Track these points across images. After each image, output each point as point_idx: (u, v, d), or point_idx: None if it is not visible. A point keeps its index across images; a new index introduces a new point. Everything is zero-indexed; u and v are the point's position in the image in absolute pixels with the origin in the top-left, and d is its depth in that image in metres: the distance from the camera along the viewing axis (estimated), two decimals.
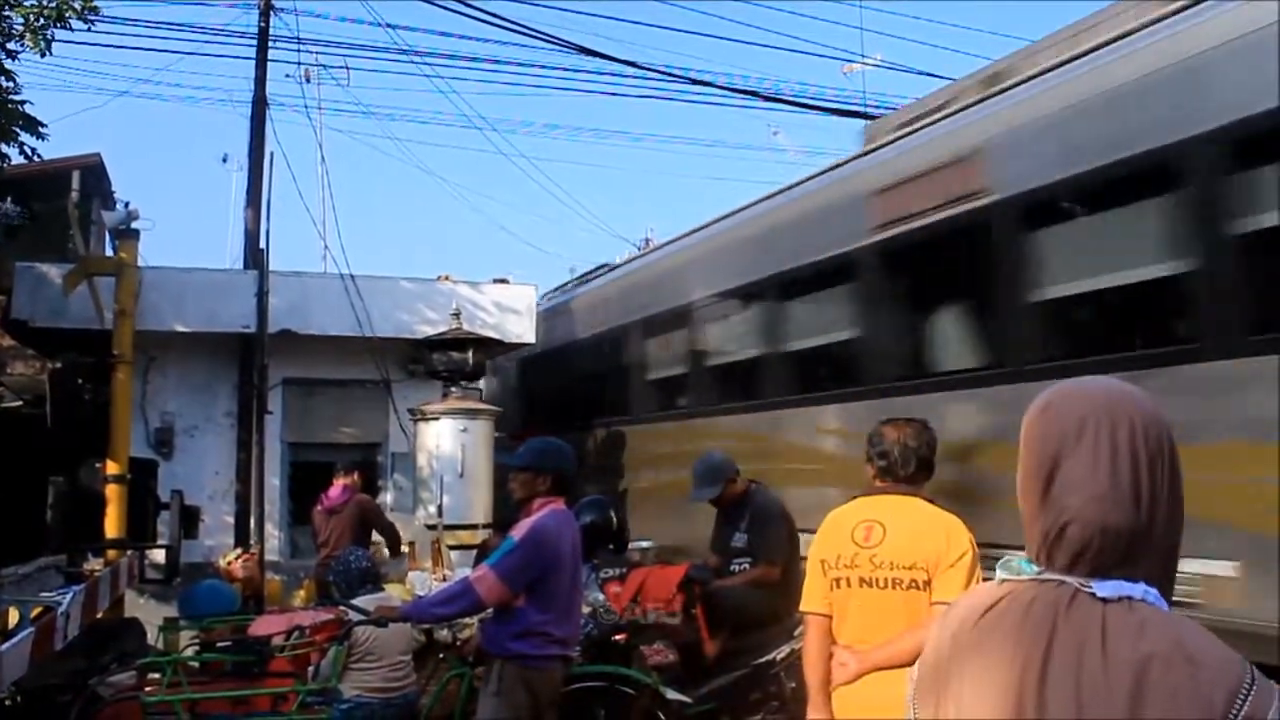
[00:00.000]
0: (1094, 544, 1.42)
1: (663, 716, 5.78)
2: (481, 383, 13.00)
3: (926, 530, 3.74)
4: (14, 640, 5.08)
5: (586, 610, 6.44)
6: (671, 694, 5.82)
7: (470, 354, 11.92)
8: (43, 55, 10.13)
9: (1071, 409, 1.48)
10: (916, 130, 7.47)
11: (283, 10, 14.90)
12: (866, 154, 8.16)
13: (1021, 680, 1.39)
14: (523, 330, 14.89)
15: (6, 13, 9.79)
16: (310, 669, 5.98)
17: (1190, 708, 1.30)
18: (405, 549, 10.33)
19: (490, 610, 4.84)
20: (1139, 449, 1.43)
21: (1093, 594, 1.40)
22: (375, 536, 10.22)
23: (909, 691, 1.62)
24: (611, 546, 7.34)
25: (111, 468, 9.44)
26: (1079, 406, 1.48)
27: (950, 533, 3.71)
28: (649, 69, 20.29)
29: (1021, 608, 1.44)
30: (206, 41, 20.37)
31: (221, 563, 10.31)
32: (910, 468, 3.95)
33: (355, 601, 5.62)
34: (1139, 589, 1.40)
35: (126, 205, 10.46)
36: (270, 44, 14.78)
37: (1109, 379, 1.56)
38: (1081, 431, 1.45)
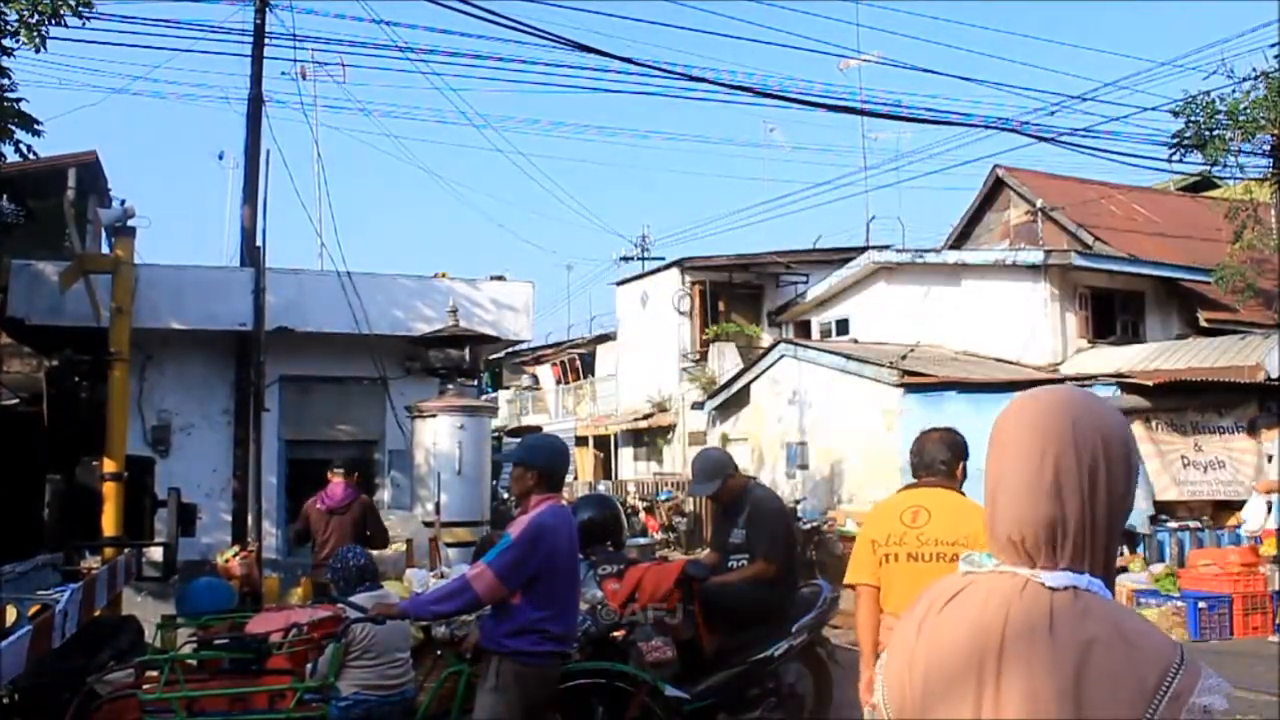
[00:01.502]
0: (1026, 538, 1.57)
1: (660, 713, 5.77)
2: None
3: (966, 514, 4.34)
4: (12, 638, 5.06)
5: (585, 607, 6.44)
6: (669, 690, 5.82)
7: (467, 351, 11.90)
8: (38, 51, 10.11)
9: (1018, 415, 1.63)
10: None
11: (278, 7, 14.88)
12: None
13: (981, 663, 1.53)
14: (520, 327, 14.89)
15: (2, 8, 9.78)
16: (308, 666, 5.97)
17: (1126, 685, 1.44)
18: (394, 549, 10.30)
19: (488, 607, 4.84)
20: (1070, 451, 1.56)
21: (1042, 584, 1.53)
22: None
23: (876, 675, 1.74)
24: (609, 544, 7.33)
25: (109, 465, 9.42)
26: (1024, 413, 1.63)
27: (981, 515, 3.91)
28: (645, 65, 20.27)
29: (980, 597, 1.58)
30: (202, 38, 20.33)
31: (219, 560, 10.30)
32: (934, 468, 4.57)
33: (354, 599, 5.62)
34: (1084, 579, 1.53)
35: (123, 202, 10.43)
36: (266, 41, 14.75)
37: (1069, 388, 1.70)
38: (1019, 435, 1.60)
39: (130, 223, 10.29)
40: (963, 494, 4.53)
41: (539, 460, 4.99)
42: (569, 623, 4.97)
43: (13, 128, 10.64)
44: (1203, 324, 19.65)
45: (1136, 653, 1.46)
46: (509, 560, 4.66)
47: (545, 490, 4.92)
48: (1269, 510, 11.23)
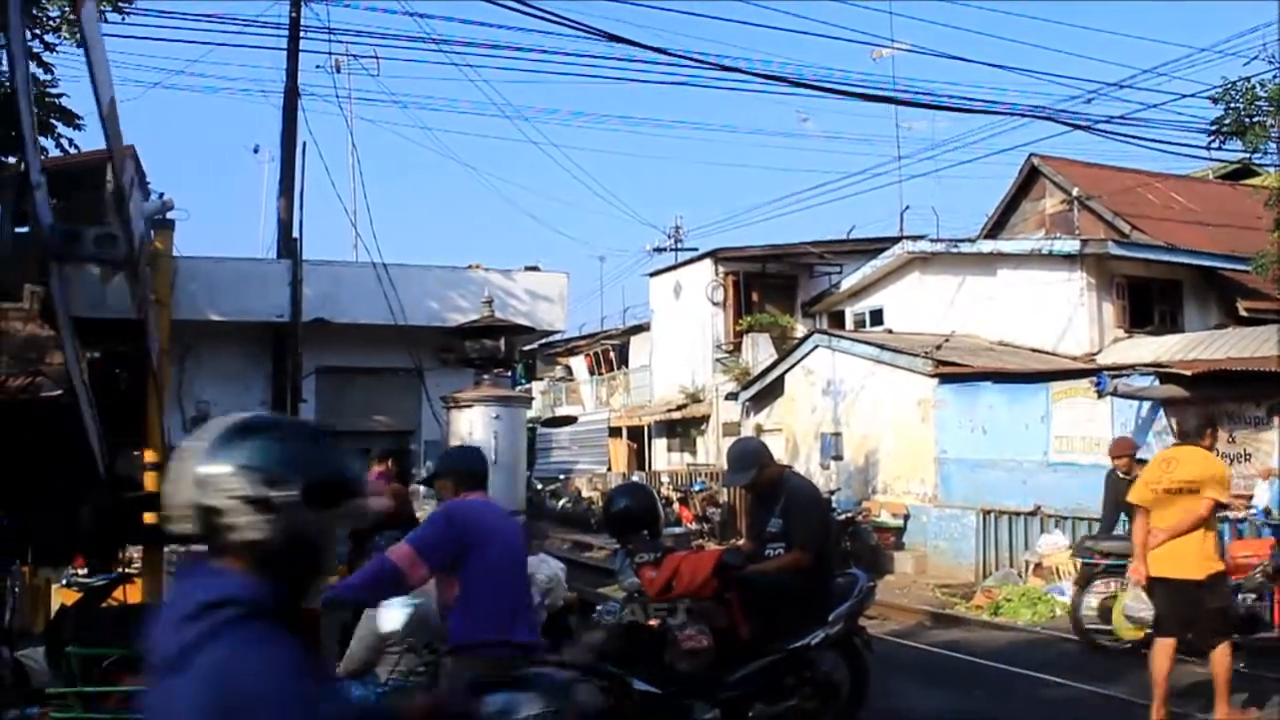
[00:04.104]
0: None
1: (631, 710, 5.71)
2: None
3: (1197, 464, 7.00)
4: None
5: (621, 595, 6.47)
6: (639, 686, 5.77)
7: (502, 342, 11.94)
8: (79, 46, 10.24)
9: None
10: None
11: (313, 1, 14.97)
12: None
13: None
14: (554, 317, 14.92)
15: (44, 4, 9.91)
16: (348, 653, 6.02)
17: None
18: None
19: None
20: None
21: None
22: None
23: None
24: (646, 532, 7.35)
25: (148, 456, 9.52)
26: None
27: (1209, 463, 7.09)
28: (677, 55, 20.27)
29: None
30: (238, 32, 20.49)
31: None
32: (1187, 433, 7.59)
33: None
34: None
35: (161, 195, 10.55)
36: (302, 34, 14.85)
37: None
38: None
39: (169, 215, 10.39)
40: (1205, 450, 7.23)
41: (449, 467, 5.09)
42: (512, 611, 4.79)
43: (54, 123, 10.78)
44: (1242, 313, 19.42)
45: None
46: (424, 535, 4.72)
47: (465, 492, 4.93)
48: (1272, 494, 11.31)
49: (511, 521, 5.03)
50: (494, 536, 4.79)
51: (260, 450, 1.89)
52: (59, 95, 10.83)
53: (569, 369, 38.18)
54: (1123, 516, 11.05)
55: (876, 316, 22.52)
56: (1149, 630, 7.47)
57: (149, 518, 9.13)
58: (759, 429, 21.46)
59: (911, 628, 12.41)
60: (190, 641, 1.80)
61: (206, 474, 1.86)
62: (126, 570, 8.34)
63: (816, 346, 19.95)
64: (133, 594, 8.57)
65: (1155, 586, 7.04)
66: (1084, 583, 10.70)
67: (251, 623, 1.82)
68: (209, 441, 1.89)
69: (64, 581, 9.52)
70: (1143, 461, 10.87)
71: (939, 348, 17.35)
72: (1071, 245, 18.97)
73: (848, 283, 23.34)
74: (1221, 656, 6.90)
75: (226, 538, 1.87)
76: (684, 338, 26.34)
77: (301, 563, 1.97)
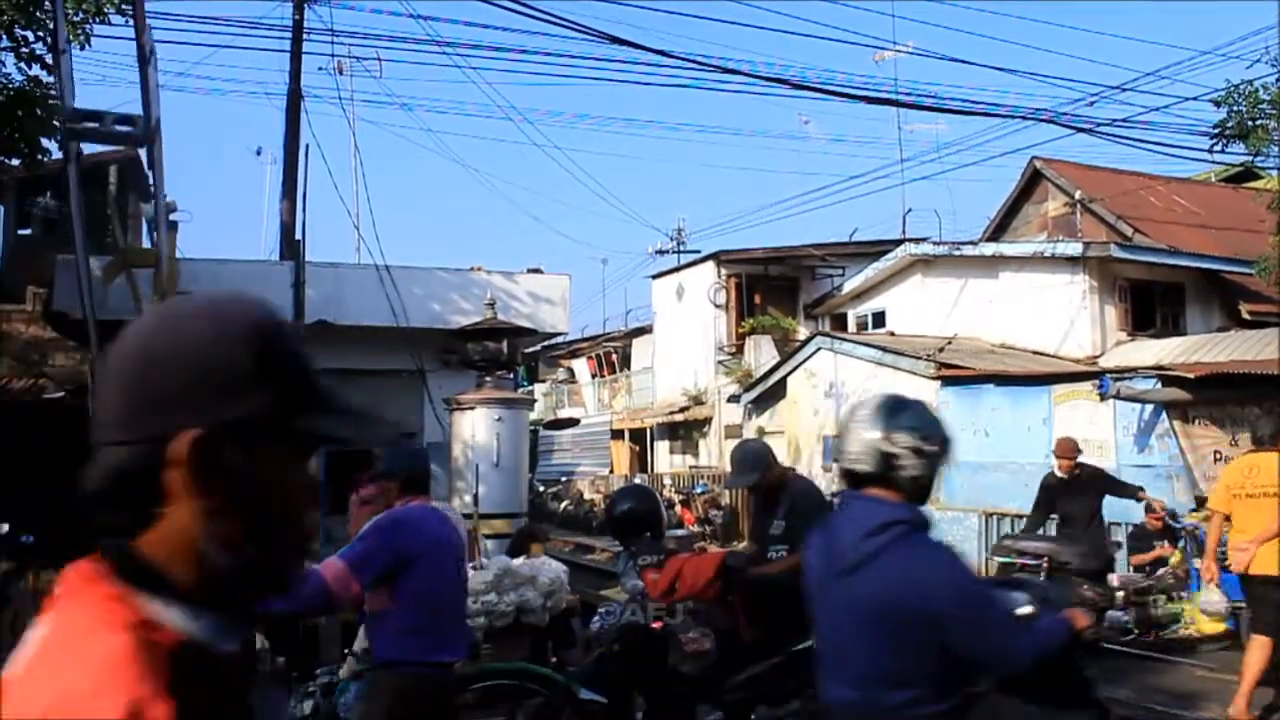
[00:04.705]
0: None
1: (574, 717, 5.63)
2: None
3: (1278, 469, 7.19)
4: None
5: (624, 598, 6.46)
6: (584, 694, 5.69)
7: (505, 344, 11.95)
8: (82, 49, 10.26)
9: None
10: None
11: (316, 2, 14.99)
12: None
13: None
14: (557, 320, 14.92)
15: (48, 7, 9.92)
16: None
17: None
18: None
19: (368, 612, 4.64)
20: None
21: None
22: None
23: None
24: (649, 534, 7.34)
25: None
26: None
27: None
28: (679, 57, 20.29)
29: None
30: (242, 34, 20.48)
31: None
32: (1263, 440, 7.59)
33: None
34: None
35: (164, 198, 10.55)
36: (305, 36, 14.87)
37: None
38: None
39: (172, 218, 10.41)
40: None
41: (398, 466, 4.82)
42: (450, 628, 4.61)
43: (57, 125, 10.78)
44: (1245, 316, 19.42)
45: None
46: (359, 550, 4.37)
47: (409, 496, 4.71)
48: None
49: (456, 532, 4.76)
50: (436, 550, 4.54)
51: (917, 417, 2.85)
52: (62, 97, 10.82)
53: (571, 371, 38.17)
54: (1053, 517, 11.15)
55: (879, 319, 22.52)
56: (1227, 623, 9.16)
57: None
58: (761, 431, 21.45)
59: None
60: (873, 550, 2.72)
61: (886, 433, 2.81)
62: None
63: (819, 349, 19.95)
64: None
65: (1245, 586, 7.66)
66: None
67: (920, 534, 2.75)
68: (872, 411, 2.88)
69: None
70: (1082, 465, 10.94)
71: (941, 350, 17.35)
72: (1074, 248, 18.97)
73: (850, 285, 23.35)
74: (1258, 652, 7.17)
75: (896, 474, 2.79)
76: (686, 340, 26.33)
77: (927, 494, 2.87)
